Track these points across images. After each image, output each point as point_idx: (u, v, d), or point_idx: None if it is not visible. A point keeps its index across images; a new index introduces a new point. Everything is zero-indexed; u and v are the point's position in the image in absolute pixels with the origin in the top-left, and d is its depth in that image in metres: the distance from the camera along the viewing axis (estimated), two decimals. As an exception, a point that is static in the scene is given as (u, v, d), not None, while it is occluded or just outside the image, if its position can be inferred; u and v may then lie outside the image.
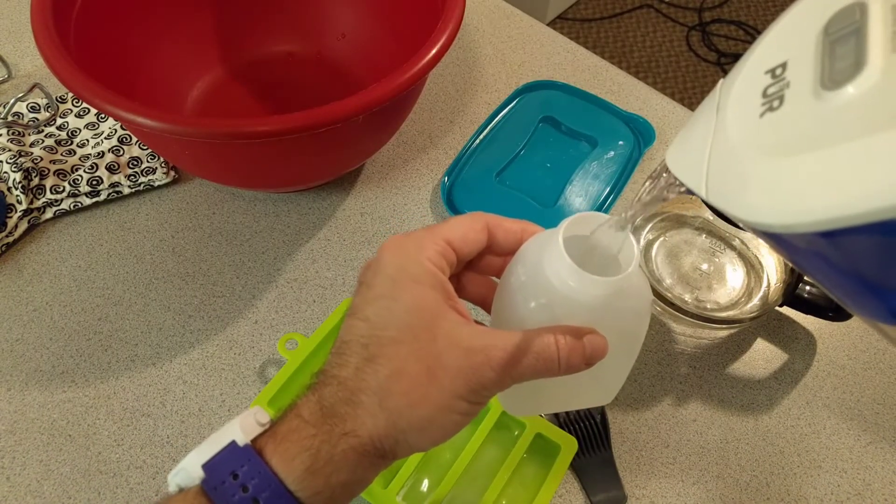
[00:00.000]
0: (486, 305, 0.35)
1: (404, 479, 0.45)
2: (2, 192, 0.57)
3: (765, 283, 0.54)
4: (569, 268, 0.28)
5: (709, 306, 0.54)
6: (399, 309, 0.29)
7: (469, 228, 0.32)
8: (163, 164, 0.61)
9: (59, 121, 0.64)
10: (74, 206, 0.59)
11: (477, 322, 0.30)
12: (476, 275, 0.35)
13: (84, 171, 0.59)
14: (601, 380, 0.34)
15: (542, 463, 0.47)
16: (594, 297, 0.29)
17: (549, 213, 0.59)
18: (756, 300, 0.54)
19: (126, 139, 0.61)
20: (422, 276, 0.29)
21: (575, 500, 0.48)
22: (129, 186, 0.60)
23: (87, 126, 0.63)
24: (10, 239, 0.56)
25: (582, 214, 0.30)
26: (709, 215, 0.56)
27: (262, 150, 0.49)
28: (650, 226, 0.57)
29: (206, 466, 0.28)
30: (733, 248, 0.56)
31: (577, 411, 0.50)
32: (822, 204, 0.19)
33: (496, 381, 0.28)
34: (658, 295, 0.54)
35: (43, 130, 0.63)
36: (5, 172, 0.57)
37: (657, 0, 2.08)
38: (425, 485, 0.47)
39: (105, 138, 0.62)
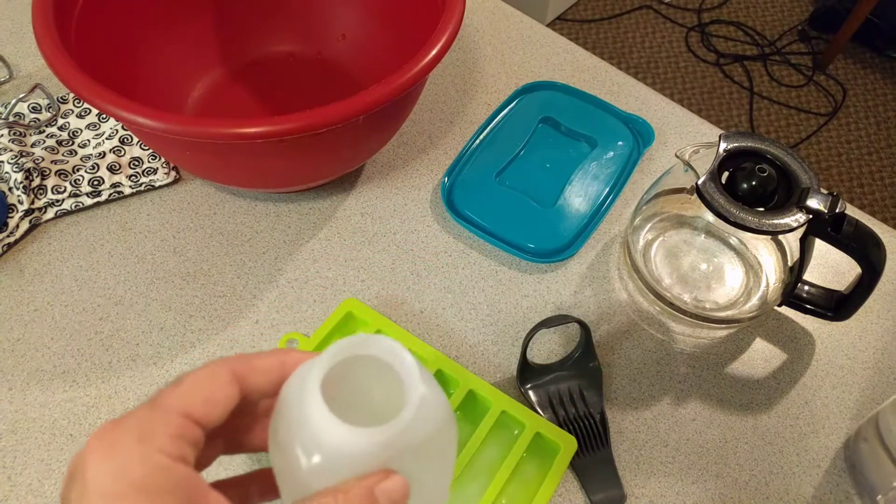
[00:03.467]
0: None
1: (404, 478, 0.45)
2: (3, 192, 0.57)
3: (764, 283, 0.55)
4: (331, 423, 0.23)
5: (708, 306, 0.54)
6: None
7: (211, 387, 0.25)
8: (164, 165, 0.61)
9: (61, 121, 0.64)
10: (76, 207, 0.59)
11: None
12: (249, 421, 0.28)
13: (85, 171, 0.59)
14: None
15: (542, 462, 0.48)
16: (373, 445, 0.24)
17: (548, 214, 0.59)
18: (755, 300, 0.54)
19: (127, 139, 0.61)
20: (153, 483, 0.22)
21: (574, 500, 0.48)
22: (130, 187, 0.60)
23: (88, 126, 0.64)
24: (12, 239, 0.57)
25: (350, 339, 0.25)
26: (708, 216, 0.56)
27: (263, 151, 0.49)
28: (650, 226, 0.57)
29: None
30: (732, 248, 0.56)
31: (577, 410, 0.50)
32: None
33: None
34: (657, 295, 0.54)
35: (44, 131, 0.63)
36: (7, 173, 0.58)
37: (656, 1, 2.08)
38: (425, 484, 0.47)
39: (106, 138, 0.62)
